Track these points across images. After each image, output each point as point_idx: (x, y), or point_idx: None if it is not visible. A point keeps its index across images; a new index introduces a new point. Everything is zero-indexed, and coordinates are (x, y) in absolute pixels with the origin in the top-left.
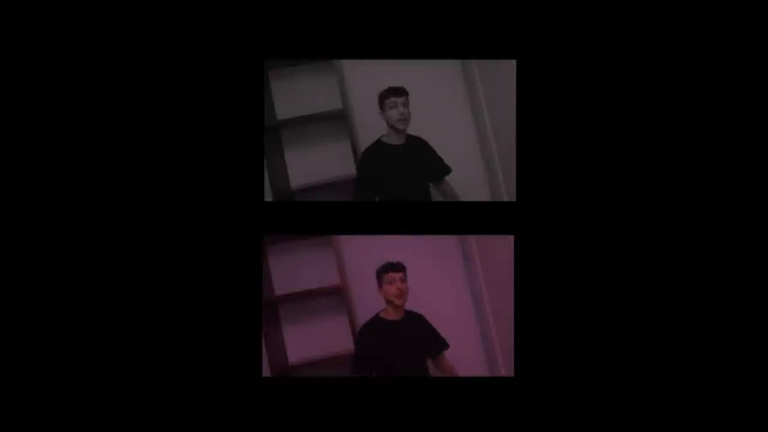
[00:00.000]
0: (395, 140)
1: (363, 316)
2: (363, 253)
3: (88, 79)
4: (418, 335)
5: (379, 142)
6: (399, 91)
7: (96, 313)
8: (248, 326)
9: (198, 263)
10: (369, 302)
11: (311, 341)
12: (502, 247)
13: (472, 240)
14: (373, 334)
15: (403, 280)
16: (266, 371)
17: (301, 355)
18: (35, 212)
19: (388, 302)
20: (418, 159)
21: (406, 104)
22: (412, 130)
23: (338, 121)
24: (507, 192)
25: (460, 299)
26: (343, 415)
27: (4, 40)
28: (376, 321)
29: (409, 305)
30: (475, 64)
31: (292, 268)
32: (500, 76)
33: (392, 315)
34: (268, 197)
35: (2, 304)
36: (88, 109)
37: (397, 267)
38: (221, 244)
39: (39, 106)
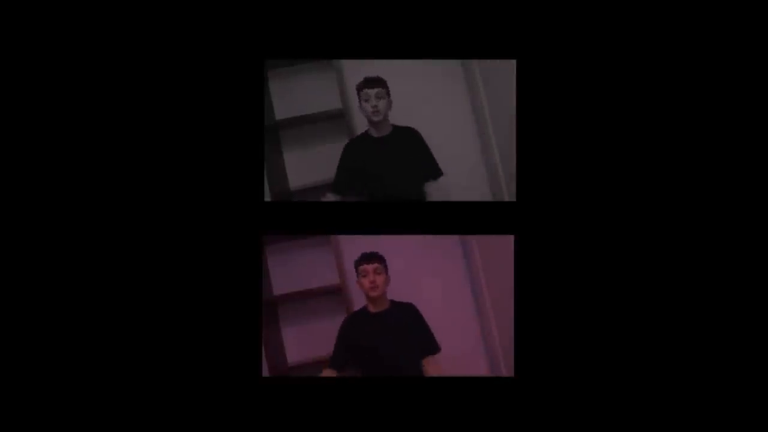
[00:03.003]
0: (375, 132)
1: None
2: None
3: (88, 79)
4: (405, 329)
5: (365, 134)
6: (372, 83)
7: (96, 313)
8: (248, 326)
9: (198, 263)
10: None
11: (311, 341)
12: (502, 247)
13: (472, 240)
14: (356, 326)
15: (379, 272)
16: (266, 371)
17: (301, 355)
18: (35, 212)
19: (366, 296)
20: (405, 152)
21: (380, 96)
22: (410, 124)
23: (338, 121)
24: (507, 192)
25: (460, 299)
26: (342, 415)
27: (4, 40)
28: (361, 313)
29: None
30: (475, 64)
31: (291, 268)
32: (500, 76)
33: (373, 307)
34: (268, 197)
35: (2, 304)
36: (88, 109)
37: (370, 258)
38: (221, 244)
39: (39, 106)
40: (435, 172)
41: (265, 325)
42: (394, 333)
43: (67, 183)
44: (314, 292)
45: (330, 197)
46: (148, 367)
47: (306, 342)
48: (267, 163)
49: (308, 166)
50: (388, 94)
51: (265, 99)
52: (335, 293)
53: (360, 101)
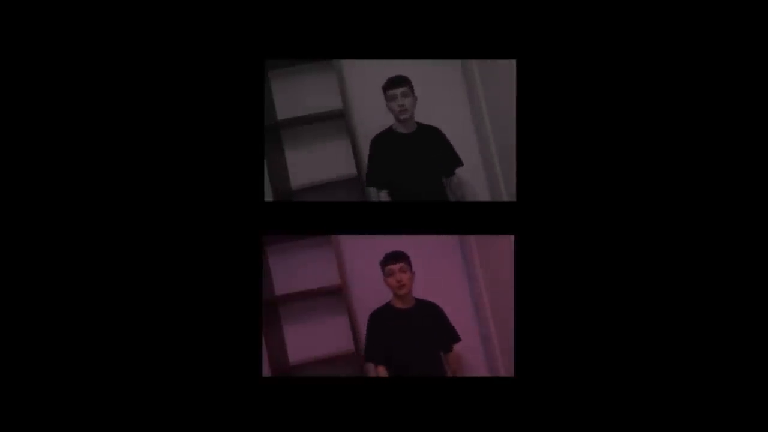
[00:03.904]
0: (403, 129)
1: (363, 316)
2: (363, 252)
3: (88, 79)
4: (429, 325)
5: (390, 130)
6: (396, 82)
7: (96, 313)
8: (248, 326)
9: (198, 263)
10: (369, 302)
11: (311, 341)
12: (502, 247)
13: (472, 240)
14: (383, 321)
15: (404, 270)
16: (266, 371)
17: (301, 355)
18: (35, 212)
19: (393, 293)
20: (428, 148)
21: (406, 94)
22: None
23: (338, 120)
24: (507, 192)
25: (460, 299)
26: (343, 415)
27: (4, 40)
28: (386, 308)
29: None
30: (475, 64)
31: (292, 268)
32: (500, 76)
33: (400, 304)
34: (268, 197)
35: (2, 304)
36: (89, 109)
37: (396, 257)
38: (221, 244)
39: (39, 106)
40: (455, 163)
41: (267, 325)
42: (420, 329)
43: (68, 183)
44: (315, 293)
45: (383, 196)
46: (148, 367)
47: (307, 342)
48: (269, 163)
49: (309, 166)
50: (412, 91)
51: (267, 99)
52: (336, 293)
53: (387, 101)
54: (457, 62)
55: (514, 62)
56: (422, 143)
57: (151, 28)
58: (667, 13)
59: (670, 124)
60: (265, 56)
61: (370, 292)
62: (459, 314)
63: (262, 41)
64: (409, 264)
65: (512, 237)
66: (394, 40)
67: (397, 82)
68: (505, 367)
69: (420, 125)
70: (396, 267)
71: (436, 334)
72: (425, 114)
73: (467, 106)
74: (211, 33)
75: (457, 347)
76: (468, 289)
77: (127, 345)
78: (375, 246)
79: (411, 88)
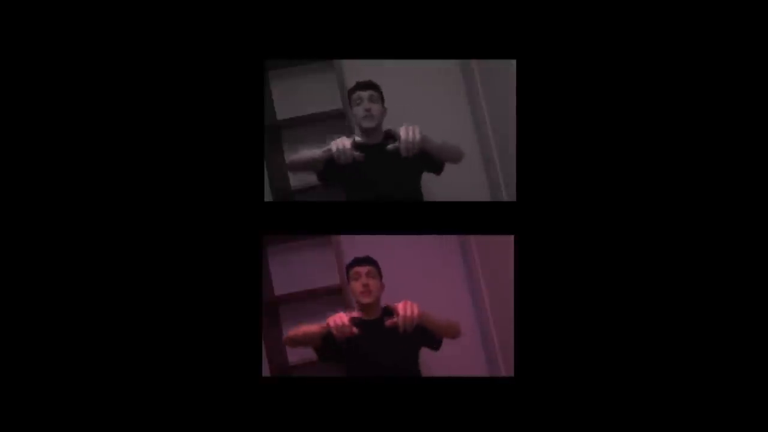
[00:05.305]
0: (367, 139)
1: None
2: (363, 252)
3: (88, 79)
4: (401, 335)
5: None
6: (365, 85)
7: (96, 313)
8: (248, 326)
9: (198, 263)
10: None
11: None
12: (502, 247)
13: (472, 240)
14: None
15: (372, 275)
16: (266, 371)
17: (301, 355)
18: (35, 212)
19: (356, 301)
20: (400, 158)
21: (373, 99)
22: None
23: (338, 121)
24: (507, 192)
25: (460, 299)
26: (342, 416)
27: (4, 40)
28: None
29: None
30: (475, 64)
31: (292, 268)
32: (500, 76)
33: (365, 315)
34: (268, 197)
35: (2, 304)
36: (88, 109)
37: (364, 261)
38: (221, 244)
39: (39, 106)
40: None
41: (267, 325)
42: (389, 341)
43: (67, 183)
44: (315, 293)
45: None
46: (148, 367)
47: None
48: (268, 163)
49: None
50: (382, 99)
51: (267, 99)
52: (336, 293)
53: (351, 106)
54: (457, 62)
55: (514, 62)
56: (392, 153)
57: (150, 28)
58: (667, 13)
59: (670, 124)
60: (265, 56)
61: None
62: (459, 314)
63: (262, 41)
64: (380, 272)
65: (512, 237)
66: (393, 40)
67: (365, 84)
68: (505, 366)
69: (389, 132)
70: (363, 270)
71: (410, 339)
72: (425, 114)
73: (467, 106)
74: (210, 33)
75: (457, 347)
76: (468, 289)
77: (127, 345)
78: (375, 246)
79: (381, 95)
